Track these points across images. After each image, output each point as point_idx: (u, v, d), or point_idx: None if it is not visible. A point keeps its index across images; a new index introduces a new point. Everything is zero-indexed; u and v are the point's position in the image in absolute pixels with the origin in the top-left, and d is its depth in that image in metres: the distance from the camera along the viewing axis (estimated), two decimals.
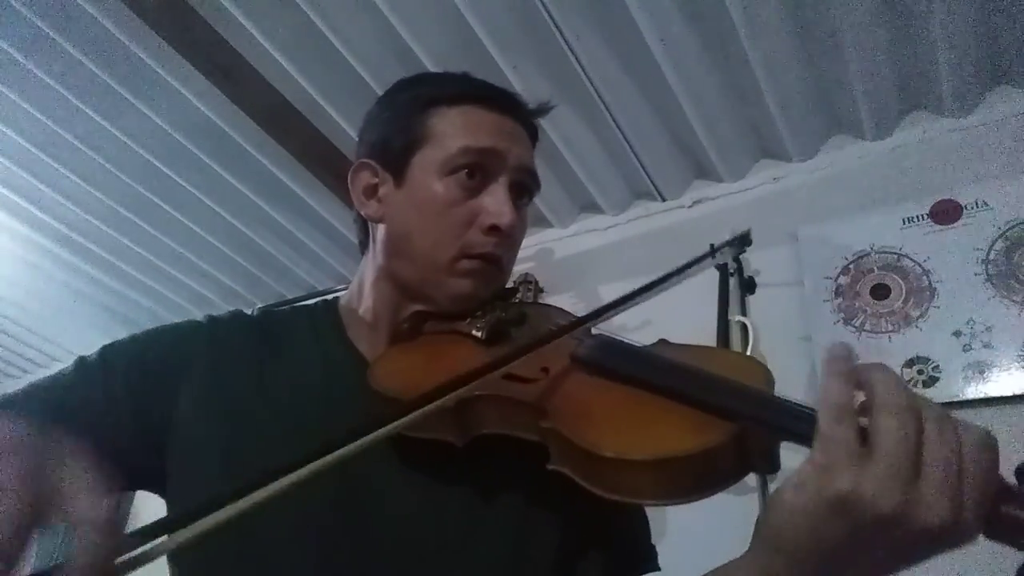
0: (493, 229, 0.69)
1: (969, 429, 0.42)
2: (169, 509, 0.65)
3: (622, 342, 0.64)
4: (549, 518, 0.65)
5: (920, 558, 0.43)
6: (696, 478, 0.49)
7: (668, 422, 0.52)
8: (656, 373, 0.57)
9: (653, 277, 0.66)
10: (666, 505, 0.50)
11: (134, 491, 0.72)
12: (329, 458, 0.43)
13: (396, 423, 0.48)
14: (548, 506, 0.64)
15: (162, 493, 0.66)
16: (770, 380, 0.56)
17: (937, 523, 0.39)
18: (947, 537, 0.40)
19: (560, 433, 0.53)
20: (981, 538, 0.43)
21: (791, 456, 0.49)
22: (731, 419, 0.50)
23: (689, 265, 0.70)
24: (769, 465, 0.52)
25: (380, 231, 0.75)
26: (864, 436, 0.41)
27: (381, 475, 0.63)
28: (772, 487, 1.54)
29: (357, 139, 0.82)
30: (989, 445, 0.41)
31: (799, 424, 0.46)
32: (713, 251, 0.74)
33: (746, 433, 0.50)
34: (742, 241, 0.76)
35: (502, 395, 0.59)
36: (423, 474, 0.63)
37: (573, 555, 0.65)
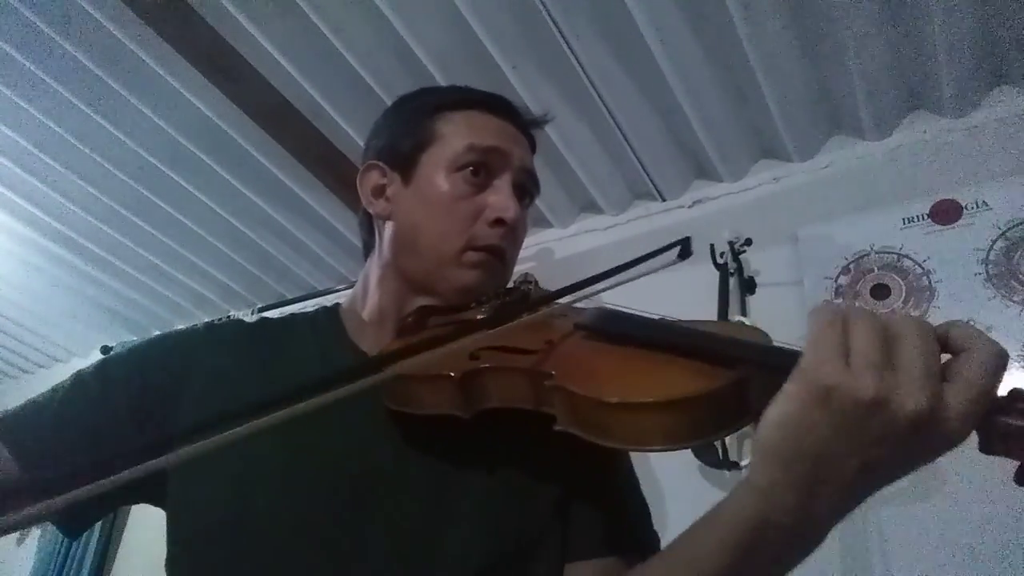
0: (499, 222, 0.73)
1: (969, 336, 0.45)
2: (170, 521, 0.64)
3: (622, 311, 0.66)
4: (555, 492, 0.67)
5: (908, 457, 0.44)
6: (698, 420, 0.50)
7: (671, 372, 0.54)
8: (658, 332, 0.59)
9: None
10: (672, 449, 0.51)
11: (134, 505, 0.71)
12: (324, 398, 0.42)
13: (393, 367, 0.48)
14: (554, 480, 0.67)
15: (163, 505, 0.65)
16: (768, 339, 0.58)
17: (913, 410, 0.41)
18: (930, 431, 0.42)
19: (564, 388, 0.54)
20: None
21: None
22: (732, 366, 0.52)
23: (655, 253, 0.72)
24: None
25: (388, 228, 0.78)
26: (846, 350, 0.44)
27: (387, 456, 0.64)
28: None
29: (364, 147, 0.85)
30: (985, 352, 0.44)
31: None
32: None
33: (747, 377, 0.51)
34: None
35: (508, 366, 0.60)
36: (430, 453, 0.65)
37: (576, 531, 0.67)
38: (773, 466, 0.45)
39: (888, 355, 0.42)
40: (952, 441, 0.43)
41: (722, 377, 0.51)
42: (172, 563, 0.63)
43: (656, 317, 0.67)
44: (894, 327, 0.44)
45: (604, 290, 0.64)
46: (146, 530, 2.85)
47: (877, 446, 0.43)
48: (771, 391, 0.51)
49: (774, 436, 0.45)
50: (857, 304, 1.72)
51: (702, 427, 0.50)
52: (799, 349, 0.48)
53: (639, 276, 0.66)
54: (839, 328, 0.44)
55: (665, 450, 0.51)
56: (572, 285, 0.64)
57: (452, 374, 0.59)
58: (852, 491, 0.45)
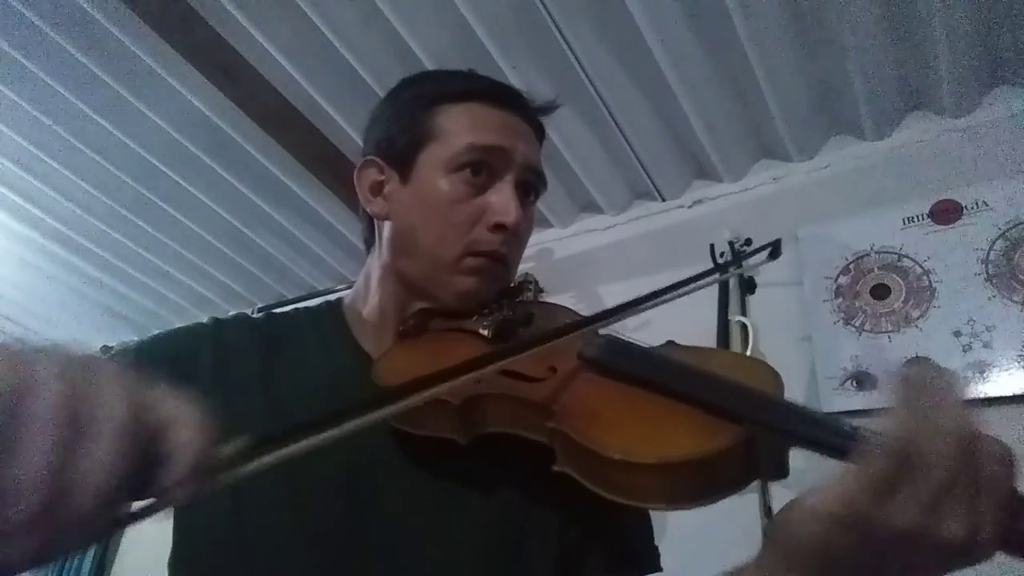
0: (499, 227, 0.69)
1: (987, 444, 0.41)
2: (175, 520, 0.64)
3: (630, 343, 0.63)
4: (551, 517, 0.64)
5: (938, 569, 0.42)
6: (702, 482, 0.48)
7: (675, 424, 0.51)
8: (664, 375, 0.56)
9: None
10: (672, 509, 0.49)
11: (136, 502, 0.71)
12: (332, 433, 0.41)
13: (393, 406, 0.46)
14: (550, 505, 0.64)
15: None
16: (780, 384, 0.55)
17: (952, 539, 0.39)
18: (963, 553, 0.40)
19: (565, 434, 0.53)
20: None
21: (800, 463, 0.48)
22: (739, 423, 0.49)
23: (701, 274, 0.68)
24: (778, 470, 0.50)
25: (386, 228, 0.75)
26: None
27: (383, 471, 0.63)
28: (774, 488, 1.54)
29: (363, 137, 0.81)
30: (1006, 461, 0.40)
31: (810, 429, 0.45)
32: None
33: (755, 437, 0.48)
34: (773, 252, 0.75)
35: (508, 394, 0.58)
36: (426, 471, 0.63)
37: (574, 554, 0.65)
38: (790, 571, 0.44)
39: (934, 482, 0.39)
40: (987, 554, 0.41)
41: (729, 435, 0.48)
42: (174, 566, 0.64)
43: (662, 343, 0.64)
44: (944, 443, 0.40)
45: (623, 319, 0.61)
46: (146, 530, 2.85)
47: (907, 567, 0.42)
48: (781, 451, 0.48)
49: (806, 543, 0.42)
50: (857, 304, 1.72)
51: (704, 491, 0.48)
52: (812, 411, 0.46)
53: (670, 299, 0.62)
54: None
55: (665, 509, 0.49)
56: (597, 315, 0.60)
57: (451, 400, 0.56)
58: None
